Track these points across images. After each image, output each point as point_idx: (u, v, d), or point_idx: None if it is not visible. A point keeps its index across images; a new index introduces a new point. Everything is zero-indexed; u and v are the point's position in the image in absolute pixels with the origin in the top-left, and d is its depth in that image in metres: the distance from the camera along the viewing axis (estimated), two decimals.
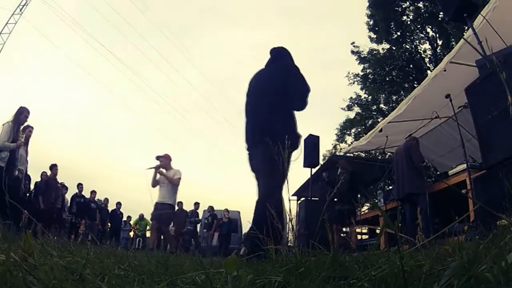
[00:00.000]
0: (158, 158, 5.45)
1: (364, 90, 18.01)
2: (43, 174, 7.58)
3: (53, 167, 7.45)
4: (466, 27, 5.17)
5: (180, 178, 5.43)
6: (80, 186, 9.06)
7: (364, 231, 7.43)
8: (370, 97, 18.02)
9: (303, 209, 7.20)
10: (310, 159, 6.88)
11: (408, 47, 17.38)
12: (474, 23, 3.51)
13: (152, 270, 0.96)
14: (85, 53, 45.72)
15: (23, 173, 5.13)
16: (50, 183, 7.25)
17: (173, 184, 5.37)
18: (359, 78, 17.83)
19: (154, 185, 5.36)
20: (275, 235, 1.36)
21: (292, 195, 9.30)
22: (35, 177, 7.44)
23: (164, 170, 5.39)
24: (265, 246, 1.19)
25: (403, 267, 0.59)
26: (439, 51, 16.21)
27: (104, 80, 53.91)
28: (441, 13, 11.75)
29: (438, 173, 7.81)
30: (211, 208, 10.78)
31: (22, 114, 4.76)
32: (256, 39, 49.54)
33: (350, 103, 18.40)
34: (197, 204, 10.56)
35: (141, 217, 11.65)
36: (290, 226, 1.39)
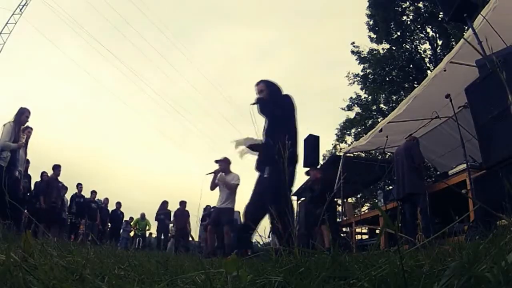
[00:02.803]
0: (217, 162, 5.48)
1: (364, 90, 18.04)
2: (44, 174, 7.57)
3: (56, 168, 7.45)
4: (466, 27, 5.17)
5: (238, 185, 5.42)
6: (79, 186, 9.05)
7: (364, 231, 7.43)
8: (370, 97, 18.02)
9: (303, 209, 7.20)
10: (310, 159, 6.87)
11: (408, 47, 17.39)
12: (474, 23, 3.50)
13: (152, 270, 0.96)
14: (85, 53, 45.74)
15: (22, 174, 5.14)
16: (51, 183, 7.25)
17: (231, 190, 5.39)
18: (359, 78, 17.84)
19: (212, 189, 5.44)
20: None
21: (292, 195, 9.29)
22: (35, 177, 7.45)
23: (223, 174, 5.41)
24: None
25: (403, 267, 0.59)
26: (439, 51, 16.22)
27: (104, 80, 53.89)
28: (441, 13, 11.75)
29: (438, 173, 7.81)
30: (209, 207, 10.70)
31: (23, 114, 4.76)
32: (256, 39, 49.55)
33: (350, 103, 18.42)
34: None
35: (143, 216, 11.58)
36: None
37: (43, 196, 6.96)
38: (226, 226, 5.34)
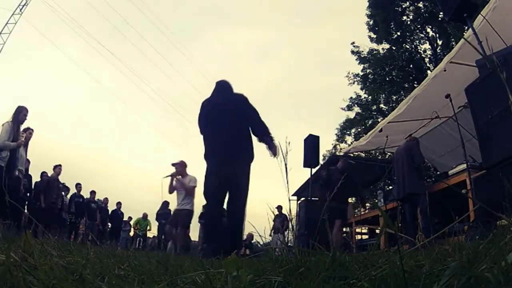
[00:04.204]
0: (173, 165, 5.55)
1: (364, 90, 18.05)
2: (44, 174, 7.57)
3: (56, 167, 7.46)
4: (466, 27, 5.17)
5: (194, 187, 5.47)
6: (78, 186, 9.04)
7: (364, 231, 7.43)
8: (370, 97, 18.03)
9: (303, 209, 7.20)
10: (310, 159, 6.88)
11: (408, 47, 17.39)
12: (474, 23, 3.51)
13: (152, 270, 0.96)
14: (85, 53, 45.80)
15: (23, 173, 5.13)
16: (51, 183, 7.25)
17: (188, 192, 5.46)
18: (359, 78, 17.85)
19: (170, 192, 5.52)
20: None
21: (292, 195, 9.30)
22: (35, 177, 7.45)
23: (180, 177, 5.48)
24: None
25: (403, 267, 0.59)
26: (439, 51, 16.22)
27: (104, 80, 53.96)
28: (441, 13, 11.75)
29: (438, 173, 7.81)
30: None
31: (21, 113, 4.75)
32: (257, 39, 49.58)
33: (350, 103, 18.43)
34: None
35: (145, 216, 11.53)
36: (290, 226, 1.39)
37: (43, 195, 6.97)
38: (180, 227, 5.41)
